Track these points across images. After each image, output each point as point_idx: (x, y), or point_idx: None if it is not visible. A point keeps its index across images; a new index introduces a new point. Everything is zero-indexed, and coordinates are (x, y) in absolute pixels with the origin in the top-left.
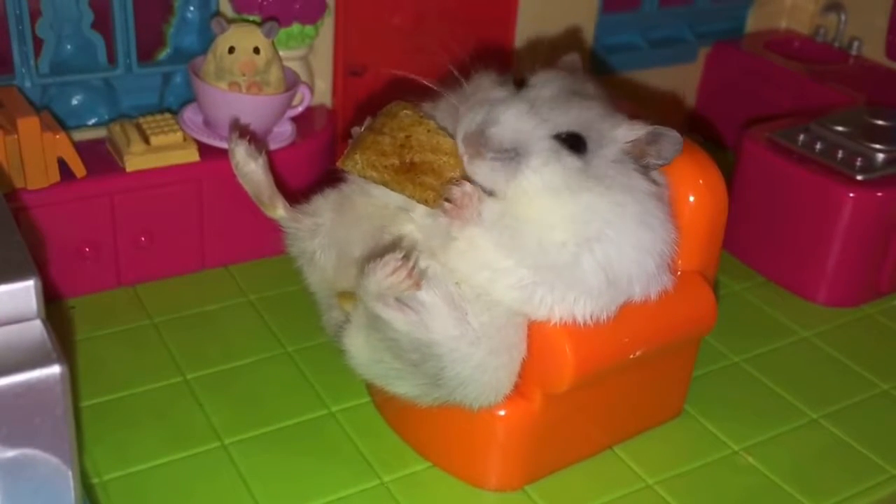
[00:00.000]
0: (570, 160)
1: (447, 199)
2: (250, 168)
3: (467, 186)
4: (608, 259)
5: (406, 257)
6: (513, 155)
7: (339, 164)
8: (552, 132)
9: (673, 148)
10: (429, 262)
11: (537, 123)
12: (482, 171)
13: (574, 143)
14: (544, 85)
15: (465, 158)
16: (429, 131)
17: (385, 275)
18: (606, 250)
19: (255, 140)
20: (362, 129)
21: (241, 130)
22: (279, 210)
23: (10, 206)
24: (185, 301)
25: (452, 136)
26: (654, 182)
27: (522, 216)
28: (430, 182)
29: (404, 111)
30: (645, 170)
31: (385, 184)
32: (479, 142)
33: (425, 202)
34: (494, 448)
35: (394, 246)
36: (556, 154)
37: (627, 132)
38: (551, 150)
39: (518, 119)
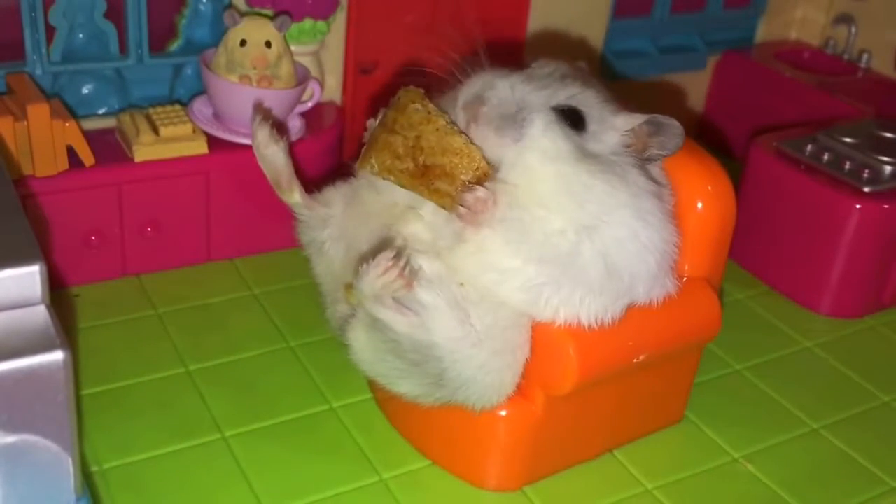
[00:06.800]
0: (569, 132)
1: (462, 205)
2: (271, 150)
3: (481, 192)
4: (605, 247)
5: (397, 256)
6: (514, 118)
7: (357, 165)
8: (550, 102)
9: (675, 138)
10: (430, 263)
11: (534, 90)
12: (484, 136)
13: (573, 118)
14: (543, 66)
15: (468, 126)
16: (437, 130)
17: (377, 275)
18: (604, 239)
19: (278, 126)
20: (376, 122)
21: (264, 114)
22: (295, 195)
23: (18, 193)
24: (190, 293)
25: (462, 131)
26: (655, 181)
27: (525, 203)
28: (445, 188)
29: (413, 105)
30: (646, 164)
31: (402, 186)
32: (477, 104)
33: (443, 207)
34: (495, 448)
35: (386, 245)
36: (555, 122)
37: (627, 120)
38: (550, 118)
39: (514, 86)
